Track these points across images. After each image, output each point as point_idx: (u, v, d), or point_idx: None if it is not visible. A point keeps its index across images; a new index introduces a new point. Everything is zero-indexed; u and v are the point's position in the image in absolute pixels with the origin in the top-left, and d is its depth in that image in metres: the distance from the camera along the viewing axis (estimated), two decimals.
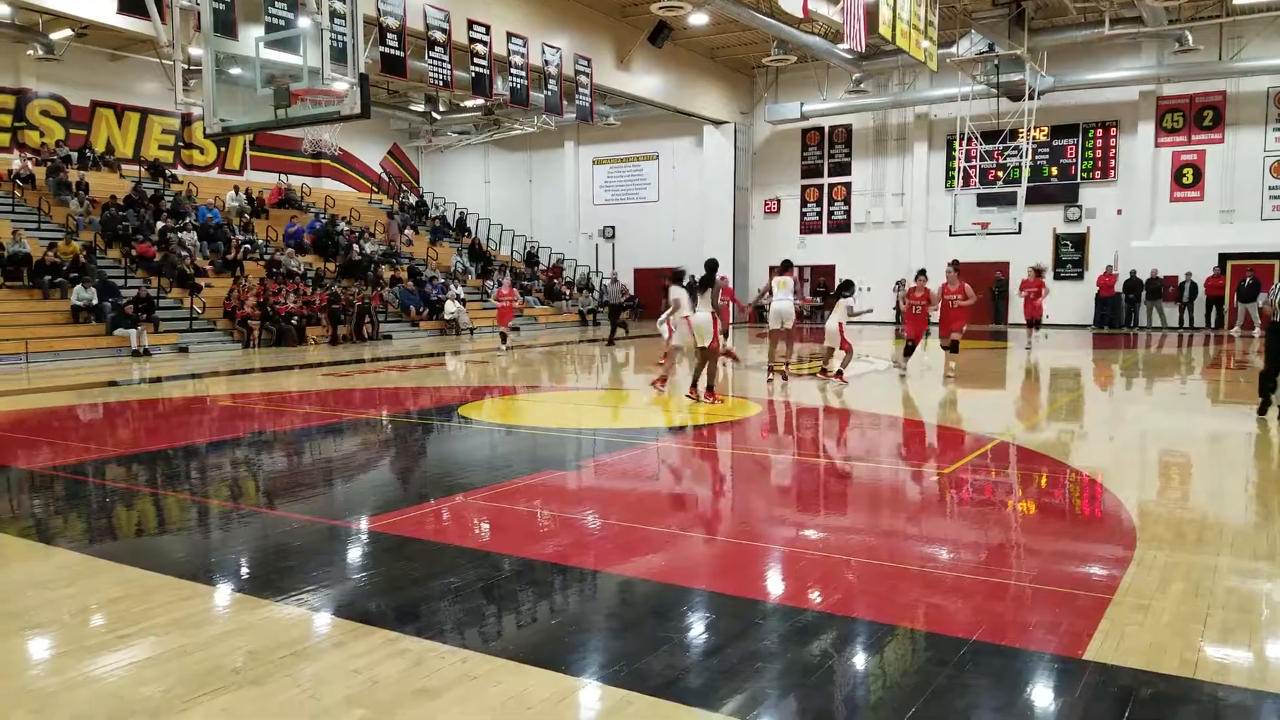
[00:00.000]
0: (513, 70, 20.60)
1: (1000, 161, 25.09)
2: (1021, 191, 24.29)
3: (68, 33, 22.80)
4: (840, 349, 12.59)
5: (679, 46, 26.47)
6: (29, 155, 23.99)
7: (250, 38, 12.50)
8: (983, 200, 26.12)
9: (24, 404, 11.63)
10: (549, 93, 21.86)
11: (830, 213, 30.16)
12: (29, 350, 16.65)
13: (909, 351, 14.11)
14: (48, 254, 19.31)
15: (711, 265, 11.16)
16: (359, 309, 22.35)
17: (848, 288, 13.14)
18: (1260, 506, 6.44)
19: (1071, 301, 26.03)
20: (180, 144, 28.85)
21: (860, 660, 3.72)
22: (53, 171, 23.43)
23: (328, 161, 31.28)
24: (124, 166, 26.58)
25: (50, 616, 4.17)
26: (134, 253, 21.40)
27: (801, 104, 28.85)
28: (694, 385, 11.01)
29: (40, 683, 3.51)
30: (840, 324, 12.60)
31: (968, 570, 4.79)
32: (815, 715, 3.22)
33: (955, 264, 13.85)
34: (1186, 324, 24.71)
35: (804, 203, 30.55)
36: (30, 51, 23.58)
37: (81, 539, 5.61)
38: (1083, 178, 26.48)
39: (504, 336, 20.15)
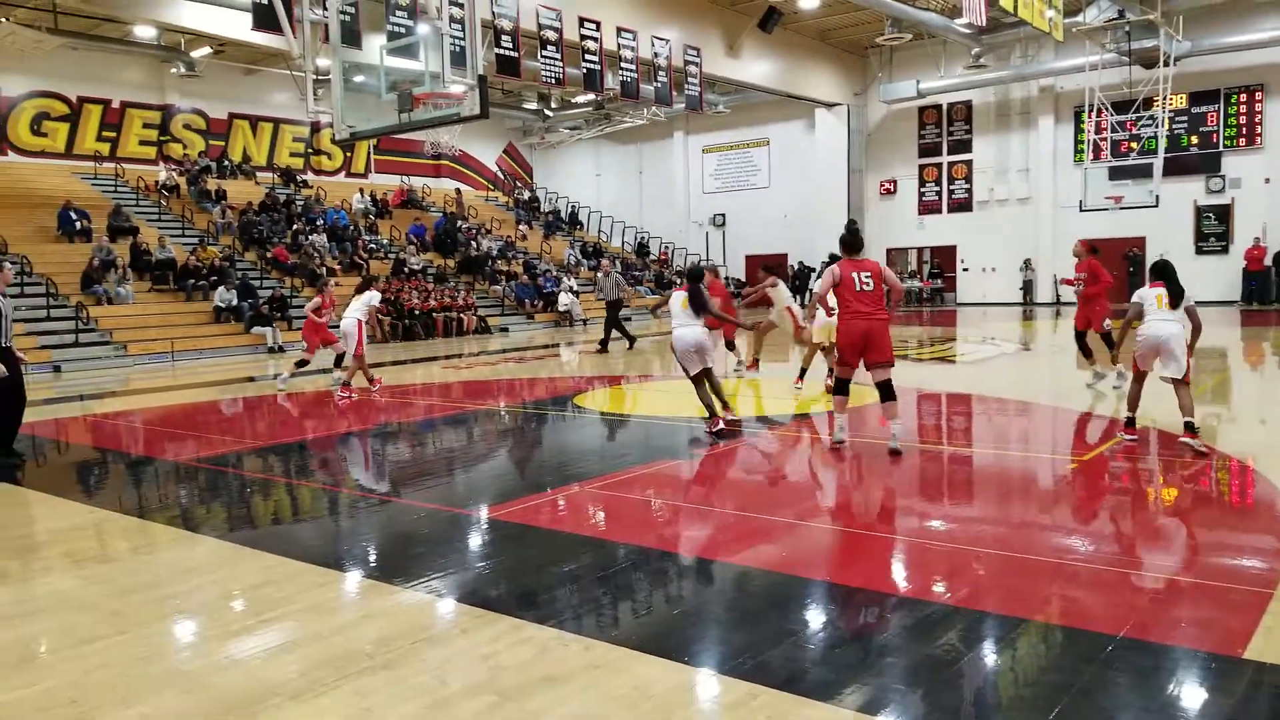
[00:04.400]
0: (623, 64, 20.67)
1: (1134, 132, 23.69)
2: (1158, 163, 22.92)
3: (207, 50, 24.34)
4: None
5: (789, 30, 26.03)
6: (173, 166, 25.58)
7: (374, 46, 13.03)
8: (1115, 173, 24.75)
9: (171, 399, 12.36)
10: (659, 84, 21.88)
11: (950, 191, 29.20)
12: (174, 349, 17.75)
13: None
14: (190, 258, 20.53)
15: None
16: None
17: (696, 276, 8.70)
18: None
19: (1216, 276, 24.40)
20: (310, 151, 30.16)
21: (995, 656, 3.56)
22: (194, 181, 24.89)
23: (446, 162, 32.16)
24: (258, 174, 28.05)
25: (198, 601, 4.40)
26: (269, 255, 22.50)
27: (918, 82, 27.98)
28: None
29: (190, 665, 3.70)
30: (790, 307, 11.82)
31: (1110, 563, 4.54)
32: (949, 712, 3.09)
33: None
34: None
35: (922, 182, 29.66)
36: (174, 70, 25.33)
37: (224, 527, 5.90)
38: (1225, 145, 24.79)
39: (303, 363, 13.46)
